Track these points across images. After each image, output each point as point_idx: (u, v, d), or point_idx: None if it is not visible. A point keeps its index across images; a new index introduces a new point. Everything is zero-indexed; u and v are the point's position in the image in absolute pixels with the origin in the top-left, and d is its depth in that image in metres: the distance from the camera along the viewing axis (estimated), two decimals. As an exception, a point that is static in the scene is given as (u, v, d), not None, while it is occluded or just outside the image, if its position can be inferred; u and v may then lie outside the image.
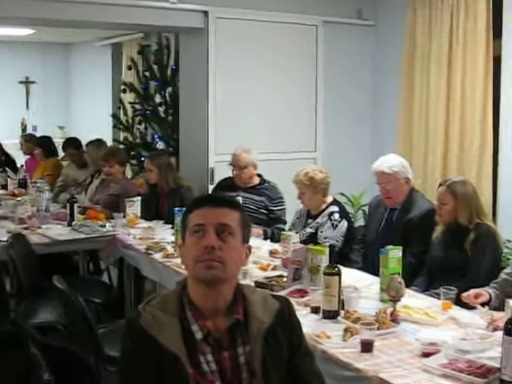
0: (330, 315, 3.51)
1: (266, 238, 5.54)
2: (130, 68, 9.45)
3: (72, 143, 8.27)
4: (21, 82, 13.64)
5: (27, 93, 13.72)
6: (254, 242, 5.12)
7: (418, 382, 2.73)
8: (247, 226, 2.34)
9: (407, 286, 4.14)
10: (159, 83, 8.42)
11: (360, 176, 6.70)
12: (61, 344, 3.16)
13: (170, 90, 8.32)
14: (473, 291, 3.81)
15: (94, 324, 3.85)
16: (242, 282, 3.96)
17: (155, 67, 8.47)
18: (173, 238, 5.26)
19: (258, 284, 4.06)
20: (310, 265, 4.02)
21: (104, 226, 5.93)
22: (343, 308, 3.56)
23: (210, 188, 6.64)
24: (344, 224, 5.22)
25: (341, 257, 4.96)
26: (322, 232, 5.20)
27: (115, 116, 9.22)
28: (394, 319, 3.42)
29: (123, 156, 7.05)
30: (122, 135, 9.30)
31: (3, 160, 9.30)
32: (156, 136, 8.49)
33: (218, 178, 6.65)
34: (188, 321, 2.23)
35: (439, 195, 4.49)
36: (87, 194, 7.16)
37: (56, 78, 13.80)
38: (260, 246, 5.16)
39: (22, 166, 8.92)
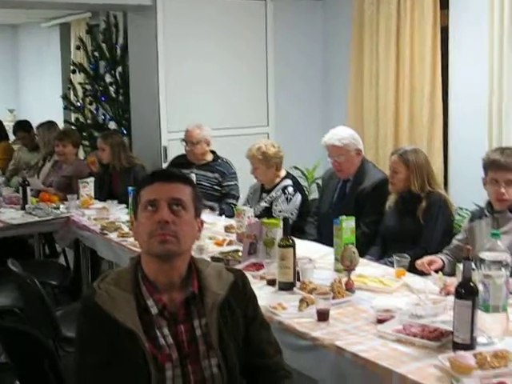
0: (286, 287, 3.54)
1: (220, 214, 5.54)
2: (78, 48, 9.33)
3: (22, 126, 8.18)
4: (-32, 65, 13.43)
5: (-26, 76, 13.51)
6: (208, 218, 5.21)
7: (373, 347, 2.77)
8: (199, 201, 2.36)
9: (362, 256, 4.20)
10: (109, 63, 8.33)
11: (313, 149, 6.72)
12: (18, 326, 3.14)
13: (120, 69, 8.25)
14: (426, 258, 3.87)
15: (51, 306, 3.83)
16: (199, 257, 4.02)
17: (104, 46, 8.38)
18: (127, 218, 5.26)
19: (214, 259, 4.08)
20: (265, 238, 4.04)
21: (58, 208, 5.90)
22: (299, 279, 3.59)
23: (164, 166, 6.60)
24: (298, 197, 5.26)
25: (295, 230, 4.98)
26: (276, 206, 5.23)
27: (65, 97, 9.11)
28: (349, 288, 3.46)
29: (77, 137, 7.02)
30: (73, 116, 9.21)
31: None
32: (108, 116, 8.43)
33: (171, 156, 6.62)
34: (143, 296, 2.24)
35: (391, 164, 4.54)
36: (40, 176, 7.09)
37: (3, 60, 13.57)
38: (215, 222, 5.18)
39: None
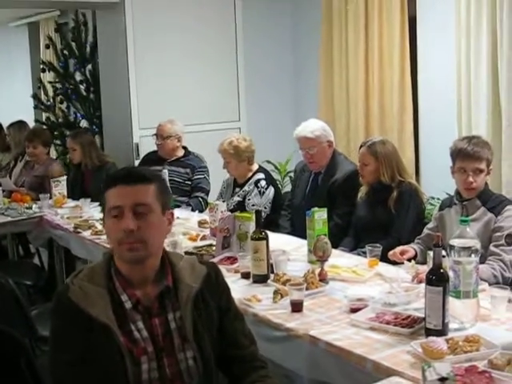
0: (260, 279, 3.56)
1: (192, 210, 5.55)
2: (47, 47, 9.27)
3: (-8, 126, 8.12)
4: None
5: None
6: (182, 213, 5.22)
7: (347, 336, 2.79)
8: (166, 194, 2.35)
9: (335, 247, 4.23)
10: (78, 61, 8.29)
11: (285, 143, 6.73)
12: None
13: (90, 67, 8.21)
14: (398, 248, 3.91)
15: (26, 306, 3.82)
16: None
17: (74, 45, 8.34)
18: (101, 215, 5.18)
19: (188, 254, 4.07)
20: (239, 232, 4.06)
21: (30, 208, 5.87)
22: (272, 271, 3.61)
23: (136, 163, 6.59)
24: (271, 190, 5.28)
25: (269, 223, 5.02)
26: (249, 200, 5.25)
27: (36, 96, 9.05)
28: (323, 279, 3.49)
29: (47, 136, 6.97)
30: (44, 116, 9.16)
31: None
32: (79, 115, 8.38)
33: (143, 153, 6.61)
34: (117, 290, 2.25)
35: (360, 156, 4.58)
36: (12, 177, 7.05)
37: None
38: (189, 218, 5.20)
39: None
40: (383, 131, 6.41)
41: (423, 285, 2.83)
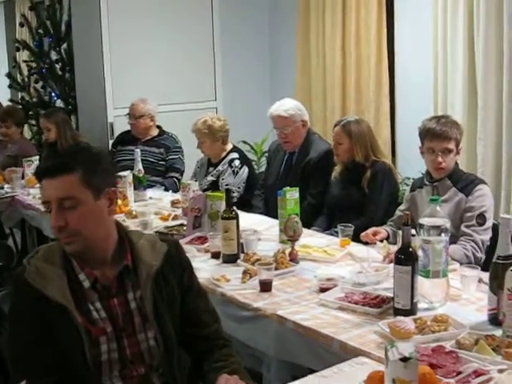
0: (230, 259, 3.52)
1: (166, 190, 5.50)
2: (22, 25, 9.14)
3: (-35, 106, 8.01)
4: None
5: None
6: (155, 193, 5.17)
7: (315, 316, 2.77)
8: (99, 175, 2.20)
9: (309, 227, 4.21)
10: (53, 40, 8.18)
11: (261, 123, 6.65)
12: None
13: (65, 46, 8.11)
14: (370, 230, 3.88)
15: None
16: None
17: (48, 23, 8.23)
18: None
19: (159, 234, 4.04)
20: (210, 211, 4.02)
21: (2, 188, 5.80)
22: (243, 251, 3.57)
23: (111, 143, 6.52)
24: (245, 170, 5.24)
25: (243, 203, 4.98)
26: (223, 179, 5.21)
27: (10, 76, 8.94)
28: (293, 258, 3.46)
29: (20, 116, 6.89)
30: (19, 95, 9.05)
31: None
32: (54, 94, 8.28)
33: (117, 133, 6.53)
34: (74, 270, 2.20)
35: (335, 135, 4.54)
36: (-16, 157, 6.97)
37: None
38: (161, 197, 5.16)
39: None
40: (359, 111, 6.36)
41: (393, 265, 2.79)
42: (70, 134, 6.33)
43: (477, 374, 2.16)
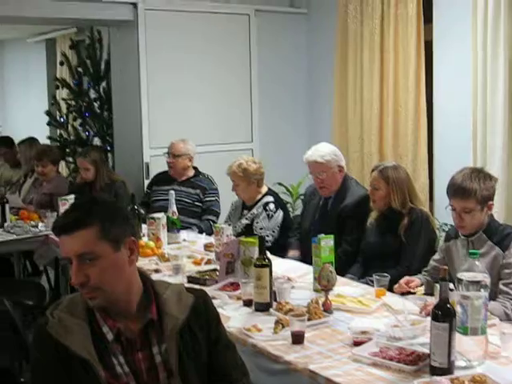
0: (262, 307, 3.44)
1: (200, 232, 5.45)
2: (62, 63, 9.25)
3: (4, 142, 8.07)
4: (-46, 81, 13.33)
5: (-39, 92, 13.41)
6: (189, 236, 5.13)
7: (347, 372, 2.68)
8: (117, 226, 2.17)
9: (343, 274, 4.13)
10: (93, 78, 8.25)
11: (298, 165, 6.59)
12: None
13: (104, 84, 8.17)
14: (403, 280, 3.80)
15: (21, 327, 3.72)
16: (175, 277, 3.93)
17: (88, 62, 8.30)
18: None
19: (191, 279, 3.99)
20: (243, 257, 3.95)
21: (36, 227, 5.79)
22: (276, 300, 3.50)
23: (146, 183, 6.51)
24: (280, 214, 5.18)
25: (278, 247, 4.92)
26: (257, 223, 5.15)
27: (49, 113, 9.01)
28: (327, 309, 3.37)
29: (56, 154, 6.90)
30: (58, 132, 9.12)
31: None
32: (91, 132, 8.33)
33: (153, 173, 6.52)
34: (98, 323, 2.15)
35: (372, 180, 4.48)
36: (21, 193, 7.01)
37: (-11, 76, 13.51)
38: (195, 241, 5.11)
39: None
40: (397, 156, 6.31)
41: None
42: (106, 172, 6.35)
43: None
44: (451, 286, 2.75)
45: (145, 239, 4.95)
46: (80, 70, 8.48)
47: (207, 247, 4.84)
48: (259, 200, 5.25)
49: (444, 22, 6.08)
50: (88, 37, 8.39)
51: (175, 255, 4.46)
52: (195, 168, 6.08)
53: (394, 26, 6.36)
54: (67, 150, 8.40)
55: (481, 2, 5.49)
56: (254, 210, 5.22)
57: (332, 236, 3.79)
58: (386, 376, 2.63)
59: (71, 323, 2.12)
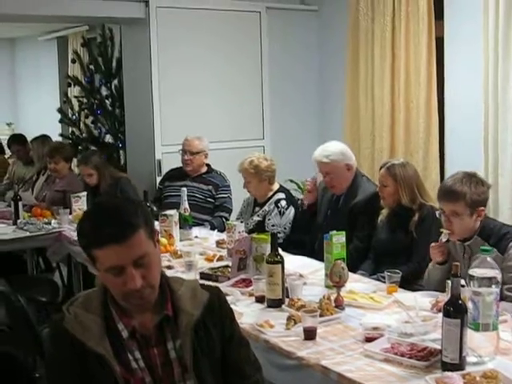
0: (275, 304, 3.46)
1: (212, 229, 5.47)
2: (74, 61, 9.30)
3: (17, 140, 8.13)
4: (-34, 79, 13.40)
5: (-28, 90, 13.48)
6: (201, 232, 5.14)
7: (359, 367, 2.69)
8: (151, 222, 2.17)
9: (354, 271, 4.14)
10: (104, 75, 8.28)
11: (309, 162, 6.60)
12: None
13: (116, 82, 8.20)
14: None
15: (36, 323, 3.76)
16: (188, 274, 3.95)
17: (100, 59, 8.34)
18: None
19: (203, 275, 4.02)
20: (255, 254, 3.97)
21: (49, 224, 5.82)
22: (288, 296, 3.51)
23: (158, 180, 6.54)
24: (291, 211, 5.20)
25: (290, 243, 4.94)
26: (269, 220, 5.17)
27: (61, 111, 9.05)
28: (339, 305, 3.39)
29: (68, 151, 6.91)
30: (70, 130, 9.17)
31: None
32: (103, 129, 8.37)
33: (165, 170, 6.55)
34: (113, 319, 2.16)
35: (380, 177, 4.48)
36: (34, 190, 7.05)
37: (1, 74, 13.55)
38: (207, 237, 5.13)
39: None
40: (408, 153, 6.31)
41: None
42: (108, 173, 6.32)
43: None
44: (462, 282, 2.76)
45: (157, 236, 4.96)
46: (92, 67, 8.53)
47: (219, 244, 4.86)
48: (271, 197, 5.27)
49: (455, 18, 6.08)
50: (100, 34, 8.43)
51: (187, 252, 4.48)
52: (208, 165, 6.10)
53: (405, 23, 6.36)
54: (79, 148, 8.43)
55: (492, -3, 5.49)
56: (266, 207, 5.24)
57: (343, 232, 3.80)
58: (398, 372, 2.64)
59: (87, 319, 2.13)
